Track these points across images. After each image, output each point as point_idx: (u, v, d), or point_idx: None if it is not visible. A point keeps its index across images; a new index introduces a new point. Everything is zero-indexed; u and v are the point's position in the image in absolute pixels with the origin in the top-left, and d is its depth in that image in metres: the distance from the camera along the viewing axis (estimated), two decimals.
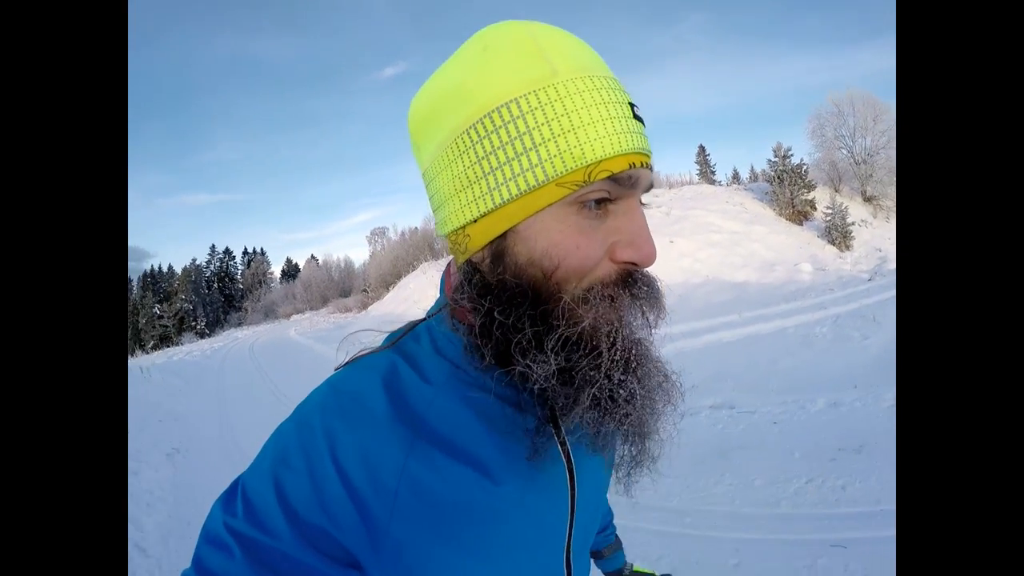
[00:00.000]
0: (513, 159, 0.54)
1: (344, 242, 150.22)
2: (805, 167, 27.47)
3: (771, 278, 16.89)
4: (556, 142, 0.53)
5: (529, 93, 0.54)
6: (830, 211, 23.55)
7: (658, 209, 22.22)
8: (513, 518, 0.60)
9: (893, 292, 11.61)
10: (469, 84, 0.56)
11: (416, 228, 49.61)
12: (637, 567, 1.23)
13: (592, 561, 1.07)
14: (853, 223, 24.10)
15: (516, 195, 0.54)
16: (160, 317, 55.55)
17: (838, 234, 23.30)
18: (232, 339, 30.32)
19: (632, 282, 0.57)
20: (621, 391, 0.55)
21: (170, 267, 67.44)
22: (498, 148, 0.55)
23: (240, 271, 71.90)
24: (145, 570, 3.49)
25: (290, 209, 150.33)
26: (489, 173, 0.55)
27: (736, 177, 46.75)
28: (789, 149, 27.42)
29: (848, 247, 23.35)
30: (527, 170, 0.53)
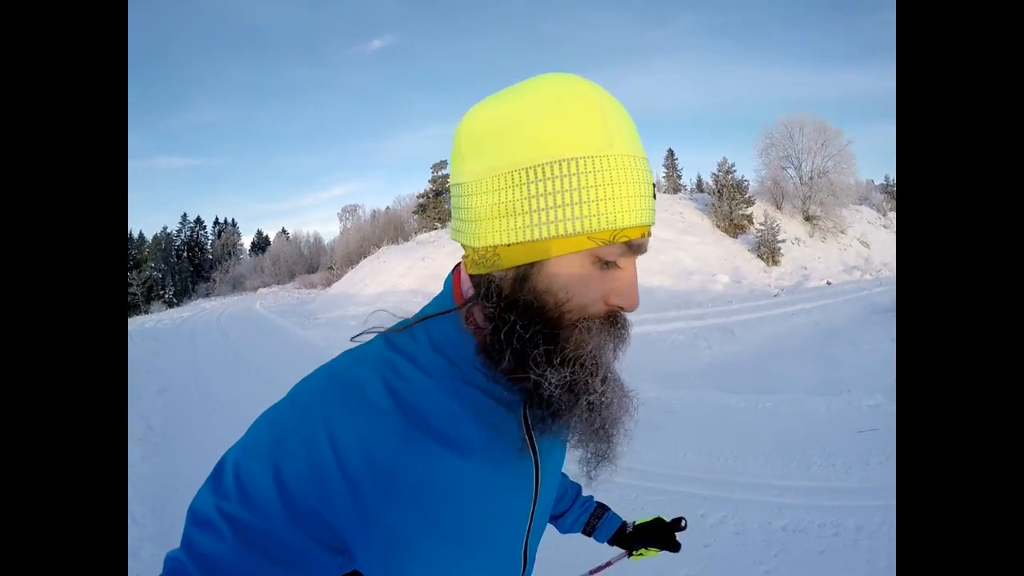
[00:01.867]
0: (560, 206, 0.62)
1: (319, 215, 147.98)
2: (746, 183, 29.63)
3: (685, 285, 19.05)
4: (598, 204, 0.62)
5: (588, 157, 0.62)
6: (763, 227, 25.79)
7: None
8: (491, 505, 0.70)
9: (789, 309, 14.09)
10: (537, 128, 0.63)
11: (388, 208, 50.78)
12: (639, 520, 1.34)
13: (590, 537, 1.30)
14: (784, 240, 26.45)
15: (555, 235, 0.63)
16: (129, 285, 56.66)
17: (767, 249, 25.56)
18: (200, 309, 31.86)
19: (616, 321, 0.69)
20: (603, 399, 0.67)
21: (141, 234, 67.24)
22: (550, 192, 0.62)
23: (210, 241, 72.46)
24: (143, 474, 5.21)
25: (266, 178, 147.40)
26: (536, 211, 0.63)
27: (699, 184, 48.88)
28: (733, 165, 29.59)
29: (776, 262, 25.82)
30: (569, 219, 0.62)
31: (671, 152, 50.14)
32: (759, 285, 20.76)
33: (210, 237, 73.03)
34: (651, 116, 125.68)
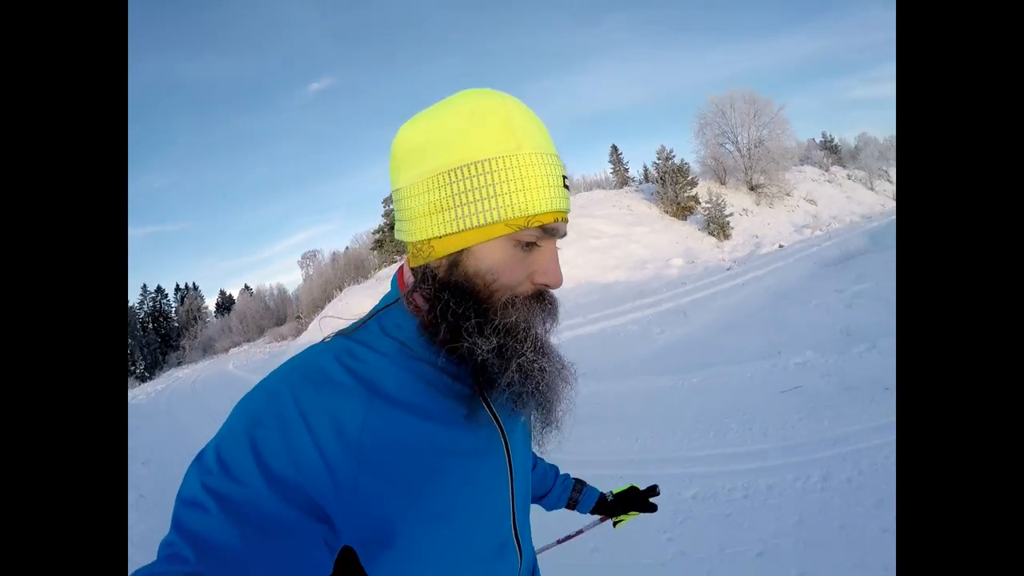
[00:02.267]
0: (480, 200, 0.73)
1: (283, 264, 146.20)
2: (686, 165, 30.64)
3: (640, 276, 19.62)
4: (512, 196, 0.73)
5: (500, 157, 0.74)
6: (709, 205, 26.75)
7: None
8: (460, 469, 0.77)
9: (741, 280, 14.48)
10: (455, 137, 0.75)
11: (347, 248, 50.56)
12: (615, 489, 1.48)
13: (573, 510, 1.42)
14: (732, 213, 27.42)
15: (477, 225, 0.73)
16: None
17: (715, 225, 26.48)
18: (174, 379, 31.52)
19: (542, 298, 0.80)
20: (535, 365, 0.76)
21: None
22: (470, 189, 0.73)
23: (174, 308, 71.32)
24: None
25: (224, 235, 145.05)
26: (460, 206, 0.74)
27: (647, 175, 49.92)
28: (671, 150, 30.57)
29: (727, 236, 26.75)
30: (488, 210, 0.73)
31: (615, 148, 51.12)
32: (713, 261, 21.43)
33: (173, 305, 71.77)
34: (594, 115, 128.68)
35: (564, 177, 0.79)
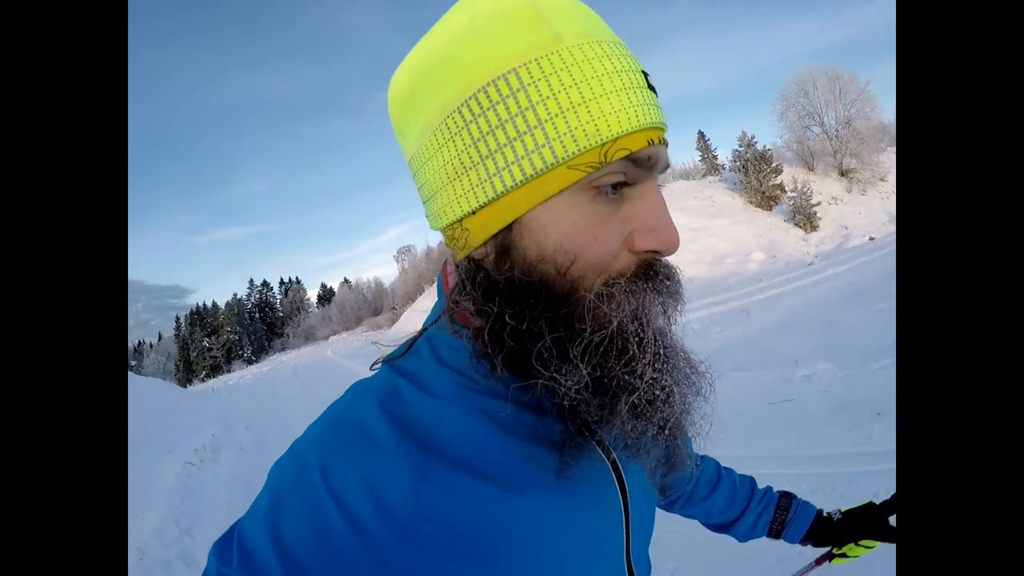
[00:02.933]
0: (516, 139, 0.47)
1: (376, 260, 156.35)
2: (770, 151, 29.14)
3: (719, 271, 19.36)
4: (565, 117, 0.47)
5: (531, 62, 0.47)
6: (794, 193, 25.53)
7: None
8: (553, 533, 0.53)
9: (819, 276, 13.90)
10: (458, 54, 0.50)
11: (440, 242, 52.93)
12: (845, 508, 1.03)
13: (779, 539, 1.02)
14: (819, 203, 26.05)
15: (521, 181, 0.48)
16: (209, 349, 61.17)
17: (802, 216, 25.22)
18: (278, 363, 34.89)
19: (654, 274, 0.51)
20: (658, 392, 0.49)
21: (214, 303, 73.21)
22: (497, 127, 0.48)
23: (279, 300, 77.65)
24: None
25: (320, 232, 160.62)
26: (488, 157, 0.49)
27: (731, 163, 48.45)
28: (753, 137, 29.32)
29: (814, 227, 25.44)
30: (532, 152, 0.47)
31: (702, 134, 48.22)
32: (796, 255, 20.74)
33: (278, 296, 78.16)
34: (672, 100, 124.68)
35: (645, 74, 0.54)
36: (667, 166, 0.53)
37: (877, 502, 1.01)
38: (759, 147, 29.02)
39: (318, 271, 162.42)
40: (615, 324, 0.48)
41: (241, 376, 27.61)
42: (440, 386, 0.54)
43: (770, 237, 23.99)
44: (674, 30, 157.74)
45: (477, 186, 0.50)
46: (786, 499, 1.01)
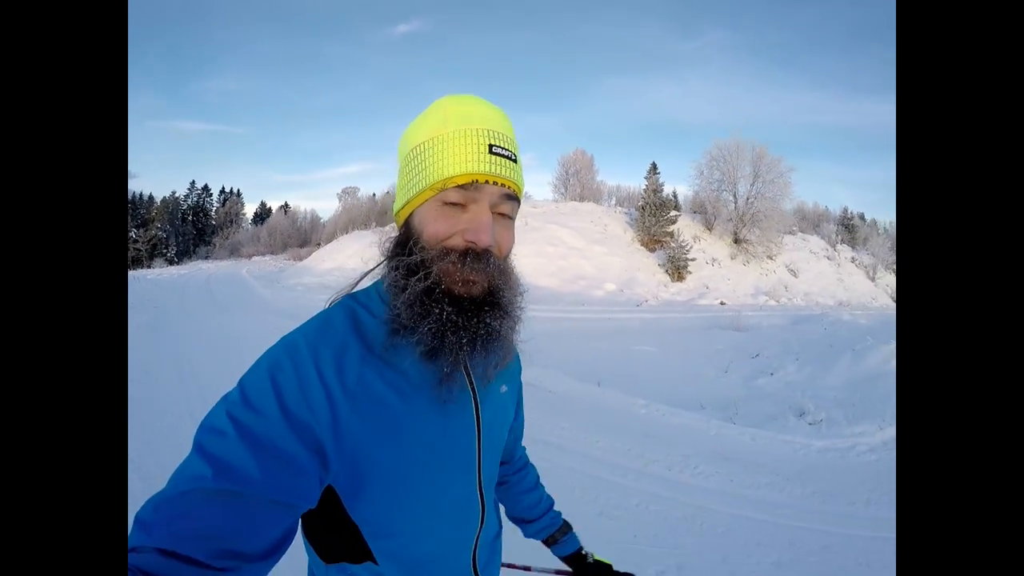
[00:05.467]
0: (417, 174, 0.90)
1: (329, 190, 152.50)
2: (672, 200, 32.25)
3: (568, 288, 22.99)
4: (433, 167, 0.88)
5: (429, 139, 0.90)
6: (674, 245, 29.66)
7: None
8: (433, 425, 0.89)
9: (626, 316, 17.11)
10: (411, 129, 0.95)
11: (387, 192, 54.40)
12: (597, 556, 1.42)
13: (547, 547, 1.41)
14: (694, 259, 30.08)
15: (415, 194, 0.90)
16: (135, 241, 62.44)
17: (672, 266, 28.97)
18: (197, 268, 38.36)
19: (471, 255, 0.87)
20: (449, 324, 0.86)
21: (151, 196, 73.86)
22: (412, 168, 0.91)
23: (215, 208, 79.07)
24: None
25: (281, 151, 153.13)
26: (408, 182, 0.92)
27: (674, 198, 51.20)
28: (662, 183, 33.35)
29: (681, 278, 29.11)
30: (420, 180, 0.89)
31: (654, 166, 50.60)
32: (638, 296, 23.96)
33: (215, 204, 79.70)
34: (676, 128, 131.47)
35: (492, 146, 0.90)
36: (509, 199, 0.92)
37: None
38: (670, 193, 31.37)
39: (268, 188, 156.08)
40: (434, 270, 0.87)
41: (159, 273, 31.25)
42: (379, 311, 0.92)
43: (634, 274, 27.40)
44: (690, 62, 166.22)
45: (403, 195, 0.94)
46: (566, 527, 1.40)
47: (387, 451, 0.83)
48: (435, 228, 0.88)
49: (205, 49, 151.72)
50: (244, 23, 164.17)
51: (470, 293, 0.88)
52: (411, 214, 0.93)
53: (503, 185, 0.90)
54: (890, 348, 8.46)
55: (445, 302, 0.86)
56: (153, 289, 20.44)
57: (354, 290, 1.00)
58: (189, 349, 9.11)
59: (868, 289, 38.14)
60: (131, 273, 31.01)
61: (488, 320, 0.89)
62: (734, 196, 35.38)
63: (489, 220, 0.88)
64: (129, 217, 66.05)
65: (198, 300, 17.64)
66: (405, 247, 0.91)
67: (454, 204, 0.88)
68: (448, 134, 0.89)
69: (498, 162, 0.89)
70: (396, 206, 0.98)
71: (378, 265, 0.99)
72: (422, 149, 0.91)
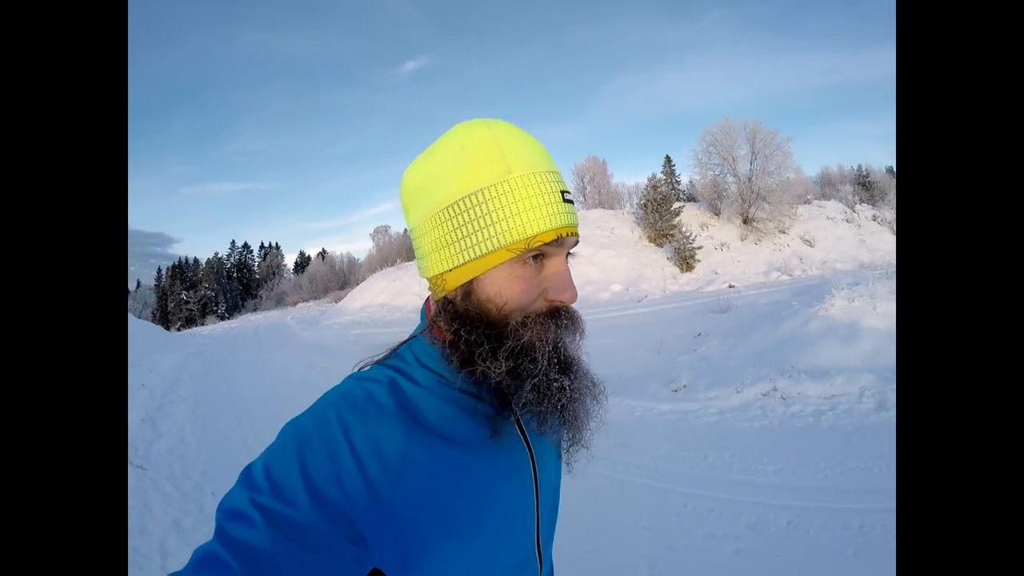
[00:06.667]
0: (479, 230, 0.78)
1: (361, 232, 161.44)
2: (674, 192, 33.31)
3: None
4: (508, 222, 0.77)
5: (491, 185, 0.78)
6: (678, 237, 30.85)
7: None
8: (490, 491, 0.81)
9: (624, 312, 18.13)
10: (448, 172, 0.81)
11: (405, 229, 57.62)
12: None
13: None
14: (701, 247, 31.26)
15: (480, 255, 0.78)
16: (187, 302, 67.80)
17: (679, 258, 30.47)
18: (246, 321, 42.44)
19: (558, 315, 0.82)
20: (554, 384, 0.79)
21: (195, 259, 79.55)
22: (468, 222, 0.78)
23: (257, 263, 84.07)
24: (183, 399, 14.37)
25: (312, 199, 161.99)
26: (462, 239, 0.79)
27: (691, 187, 51.00)
28: (661, 180, 34.29)
29: (690, 268, 30.46)
30: (488, 239, 0.77)
31: (668, 159, 52.48)
32: (643, 292, 24.63)
33: (257, 259, 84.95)
34: (690, 116, 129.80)
35: (563, 192, 0.83)
36: (575, 243, 0.85)
37: None
38: (687, 184, 31.95)
39: (304, 236, 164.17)
40: (526, 338, 0.79)
41: (212, 329, 35.00)
42: (423, 380, 0.83)
43: (642, 271, 28.55)
44: (693, 47, 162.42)
45: (455, 255, 0.81)
46: None
47: (438, 528, 0.76)
48: (522, 296, 0.80)
49: (224, 114, 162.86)
50: (259, 85, 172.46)
51: (564, 351, 0.83)
52: (475, 279, 0.82)
53: (573, 234, 0.83)
54: (811, 311, 8.76)
55: (547, 362, 0.80)
56: (207, 341, 24.09)
57: (388, 357, 0.90)
58: (238, 377, 12.01)
59: (893, 245, 35.52)
60: (187, 331, 34.86)
61: (585, 380, 0.86)
62: (735, 177, 35.85)
63: (569, 275, 0.83)
64: (178, 281, 71.17)
65: (246, 344, 20.79)
66: (477, 322, 0.81)
67: (535, 264, 0.81)
68: (516, 180, 0.80)
69: (571, 210, 0.83)
70: (437, 267, 0.84)
71: (413, 337, 0.91)
72: (482, 199, 0.79)
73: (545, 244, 0.79)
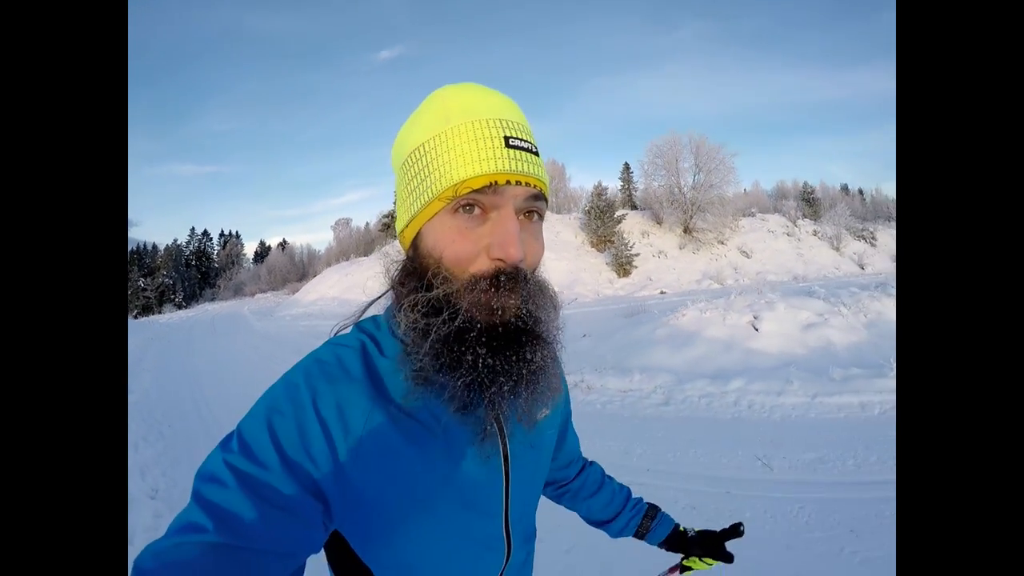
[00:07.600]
0: (420, 183, 0.78)
1: (327, 221, 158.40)
2: (617, 200, 34.70)
3: None
4: (440, 171, 0.76)
5: (429, 139, 0.79)
6: (618, 244, 32.55)
7: None
8: (448, 466, 0.80)
9: (561, 312, 20.79)
10: (404, 134, 0.84)
11: (368, 223, 56.57)
12: (698, 528, 1.34)
13: (642, 540, 1.33)
14: (638, 254, 33.00)
15: (421, 207, 0.78)
16: (144, 290, 67.40)
17: (616, 263, 32.09)
18: (203, 311, 43.15)
19: (498, 279, 0.74)
20: (467, 355, 0.74)
21: (154, 245, 79.21)
22: (413, 176, 0.80)
23: (216, 251, 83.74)
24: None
25: (276, 185, 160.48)
26: (411, 193, 0.80)
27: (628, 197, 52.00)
28: (605, 188, 36.00)
29: (627, 273, 32.05)
30: (425, 191, 0.77)
31: (626, 166, 53.84)
32: (576, 294, 26.13)
33: (216, 247, 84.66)
34: (663, 124, 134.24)
35: (509, 138, 0.77)
36: (535, 199, 0.79)
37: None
38: (634, 192, 32.68)
39: (266, 224, 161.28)
40: (465, 303, 0.74)
41: (169, 318, 35.48)
42: (390, 350, 0.82)
43: (579, 275, 29.85)
44: (671, 55, 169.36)
45: (407, 210, 0.82)
46: (653, 510, 1.32)
47: (394, 499, 0.77)
48: (455, 249, 0.76)
49: (192, 92, 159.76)
50: (229, 64, 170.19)
51: (502, 321, 0.75)
52: (419, 233, 0.81)
53: (527, 184, 0.77)
54: (665, 318, 9.42)
55: (479, 345, 0.74)
56: (165, 329, 25.73)
57: (360, 319, 0.91)
58: (194, 357, 14.20)
59: (831, 260, 39.39)
60: (144, 319, 35.61)
61: (528, 355, 0.77)
62: (679, 188, 37.73)
63: (516, 229, 0.75)
64: (136, 267, 70.90)
65: (202, 333, 22.62)
66: (420, 277, 0.78)
67: (471, 214, 0.76)
68: (452, 129, 0.78)
69: (518, 156, 0.77)
70: (399, 225, 0.86)
71: (383, 295, 0.89)
72: (423, 152, 0.79)
73: (475, 191, 0.74)
